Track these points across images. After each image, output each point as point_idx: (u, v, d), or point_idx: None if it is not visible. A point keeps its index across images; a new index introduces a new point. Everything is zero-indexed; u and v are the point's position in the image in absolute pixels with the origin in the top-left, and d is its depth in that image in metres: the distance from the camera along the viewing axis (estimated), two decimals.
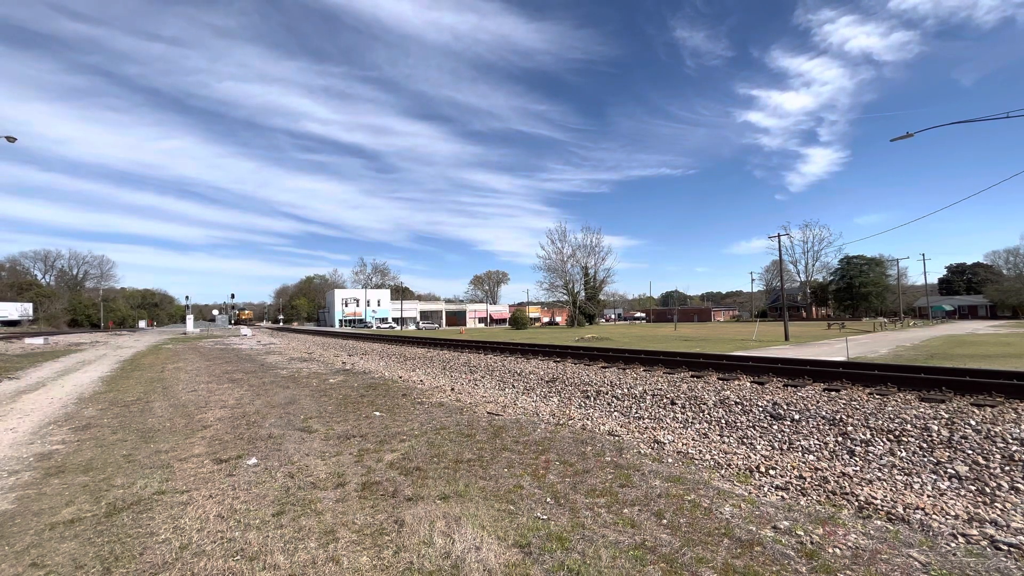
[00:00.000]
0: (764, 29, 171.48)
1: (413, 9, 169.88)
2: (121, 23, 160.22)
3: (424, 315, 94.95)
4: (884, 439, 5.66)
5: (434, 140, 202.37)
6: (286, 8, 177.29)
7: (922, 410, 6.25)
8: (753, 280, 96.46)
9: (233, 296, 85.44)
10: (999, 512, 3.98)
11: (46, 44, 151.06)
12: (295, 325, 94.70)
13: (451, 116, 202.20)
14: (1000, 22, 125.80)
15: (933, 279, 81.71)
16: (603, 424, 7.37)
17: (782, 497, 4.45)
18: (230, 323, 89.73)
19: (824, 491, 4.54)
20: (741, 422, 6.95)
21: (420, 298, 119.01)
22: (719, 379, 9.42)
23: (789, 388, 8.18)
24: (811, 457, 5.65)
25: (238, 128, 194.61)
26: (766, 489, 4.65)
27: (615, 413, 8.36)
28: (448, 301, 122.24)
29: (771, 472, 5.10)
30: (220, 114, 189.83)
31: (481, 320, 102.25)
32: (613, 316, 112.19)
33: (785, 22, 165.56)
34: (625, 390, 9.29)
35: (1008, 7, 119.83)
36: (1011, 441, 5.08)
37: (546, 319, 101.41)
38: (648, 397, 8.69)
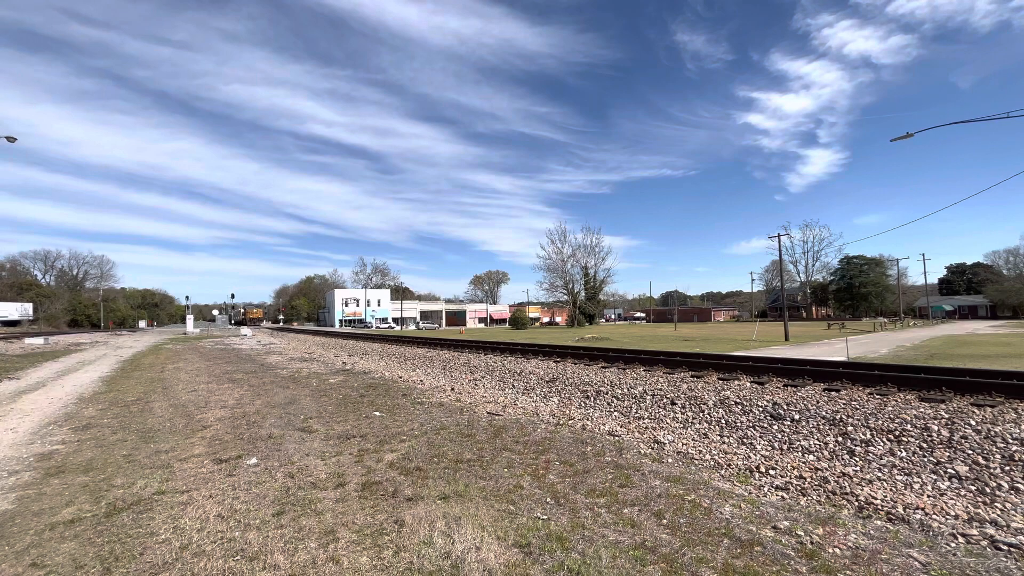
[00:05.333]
0: (764, 33, 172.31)
1: (418, 14, 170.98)
2: (131, 27, 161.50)
3: (424, 315, 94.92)
4: (884, 439, 5.65)
5: (437, 142, 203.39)
6: (294, 13, 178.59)
7: (922, 410, 6.24)
8: (753, 280, 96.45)
9: (233, 296, 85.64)
10: (999, 512, 3.98)
11: (57, 48, 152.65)
12: (295, 325, 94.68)
13: (454, 118, 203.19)
14: (996, 26, 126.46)
15: (933, 279, 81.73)
16: (603, 424, 7.37)
17: (782, 497, 4.45)
18: (230, 323, 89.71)
19: (824, 491, 4.54)
20: (741, 422, 6.95)
21: (420, 298, 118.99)
22: (719, 379, 9.42)
23: (789, 388, 8.17)
24: (811, 457, 5.65)
25: (243, 130, 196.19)
26: (766, 489, 4.65)
27: (615, 413, 8.36)
28: (448, 301, 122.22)
29: (771, 472, 5.10)
30: (226, 116, 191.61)
31: (481, 320, 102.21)
32: (613, 316, 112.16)
33: (784, 26, 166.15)
34: (625, 390, 9.28)
35: (1004, 11, 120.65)
36: (1011, 441, 5.08)
37: (546, 319, 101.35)
38: (648, 397, 8.69)
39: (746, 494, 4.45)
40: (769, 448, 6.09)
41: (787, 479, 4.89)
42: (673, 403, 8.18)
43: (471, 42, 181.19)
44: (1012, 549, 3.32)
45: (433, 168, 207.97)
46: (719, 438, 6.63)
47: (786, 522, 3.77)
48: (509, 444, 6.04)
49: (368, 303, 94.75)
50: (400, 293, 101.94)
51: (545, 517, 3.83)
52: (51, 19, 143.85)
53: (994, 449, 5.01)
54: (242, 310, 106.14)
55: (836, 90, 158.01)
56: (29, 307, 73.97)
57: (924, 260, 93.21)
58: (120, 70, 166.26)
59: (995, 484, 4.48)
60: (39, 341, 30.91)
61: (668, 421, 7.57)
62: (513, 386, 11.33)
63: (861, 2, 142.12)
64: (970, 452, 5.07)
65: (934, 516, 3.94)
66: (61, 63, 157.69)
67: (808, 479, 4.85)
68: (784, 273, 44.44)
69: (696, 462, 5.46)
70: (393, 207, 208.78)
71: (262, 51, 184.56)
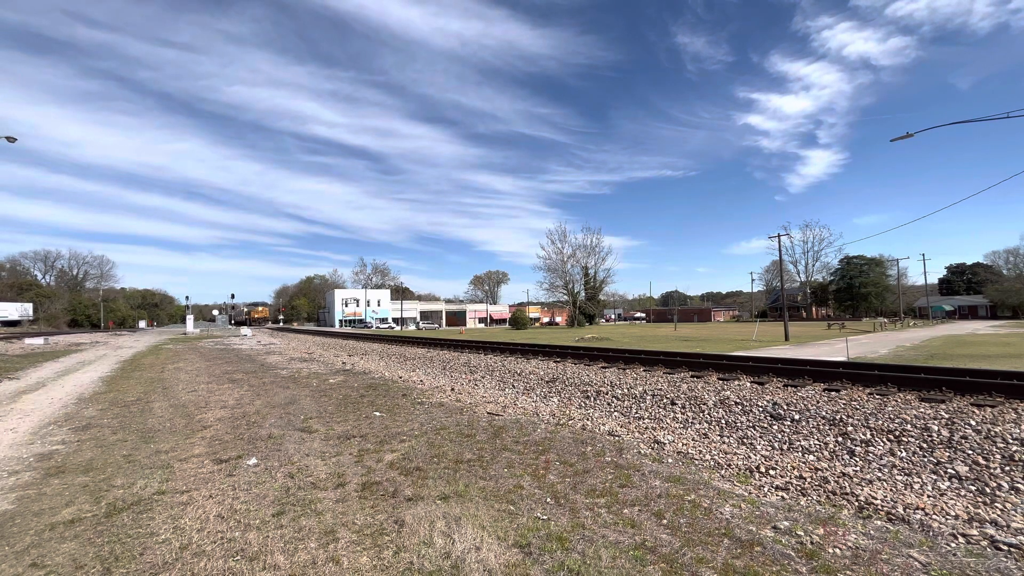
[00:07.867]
0: (764, 35, 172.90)
1: (421, 16, 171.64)
2: (135, 29, 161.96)
3: (424, 315, 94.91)
4: (884, 439, 5.65)
5: (438, 142, 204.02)
6: (297, 15, 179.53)
7: (922, 410, 6.24)
8: (753, 280, 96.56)
9: (233, 296, 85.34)
10: (999, 512, 3.98)
11: (61, 50, 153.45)
12: (295, 325, 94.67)
13: (456, 119, 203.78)
14: (995, 28, 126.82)
15: (933, 279, 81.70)
16: (603, 424, 7.37)
17: (782, 497, 4.45)
18: (230, 323, 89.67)
19: (824, 491, 4.53)
20: (741, 422, 6.95)
21: (420, 298, 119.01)
22: (719, 379, 9.42)
23: (789, 388, 8.18)
24: (811, 457, 5.65)
25: (246, 131, 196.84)
26: (766, 489, 4.64)
27: (615, 413, 8.36)
28: (448, 301, 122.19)
29: (771, 472, 5.09)
30: (229, 117, 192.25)
31: (481, 320, 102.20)
32: (613, 316, 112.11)
33: (784, 28, 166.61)
34: (625, 390, 9.28)
35: (1002, 13, 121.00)
36: (1011, 441, 5.08)
37: (546, 319, 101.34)
38: (648, 397, 8.69)
39: (746, 494, 4.45)
40: (769, 448, 6.09)
41: (787, 479, 4.89)
42: (673, 403, 8.18)
43: (473, 44, 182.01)
44: (1012, 549, 3.32)
45: (434, 169, 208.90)
46: (719, 438, 6.63)
47: (786, 522, 3.77)
48: (509, 444, 6.04)
49: (368, 303, 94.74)
50: (400, 293, 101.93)
51: (545, 517, 3.83)
52: (56, 21, 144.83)
53: (994, 449, 5.02)
54: (245, 310, 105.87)
55: (836, 91, 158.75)
56: (29, 307, 73.93)
57: (924, 260, 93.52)
58: (124, 72, 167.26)
59: (995, 484, 4.48)
60: (39, 341, 30.91)
61: (668, 421, 7.57)
62: (513, 386, 11.33)
63: (860, 4, 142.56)
64: (970, 452, 5.07)
65: (934, 516, 3.94)
66: (65, 65, 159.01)
67: (808, 479, 4.84)
68: (784, 273, 44.41)
69: (696, 462, 5.46)
70: (394, 207, 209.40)
71: (265, 53, 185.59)
